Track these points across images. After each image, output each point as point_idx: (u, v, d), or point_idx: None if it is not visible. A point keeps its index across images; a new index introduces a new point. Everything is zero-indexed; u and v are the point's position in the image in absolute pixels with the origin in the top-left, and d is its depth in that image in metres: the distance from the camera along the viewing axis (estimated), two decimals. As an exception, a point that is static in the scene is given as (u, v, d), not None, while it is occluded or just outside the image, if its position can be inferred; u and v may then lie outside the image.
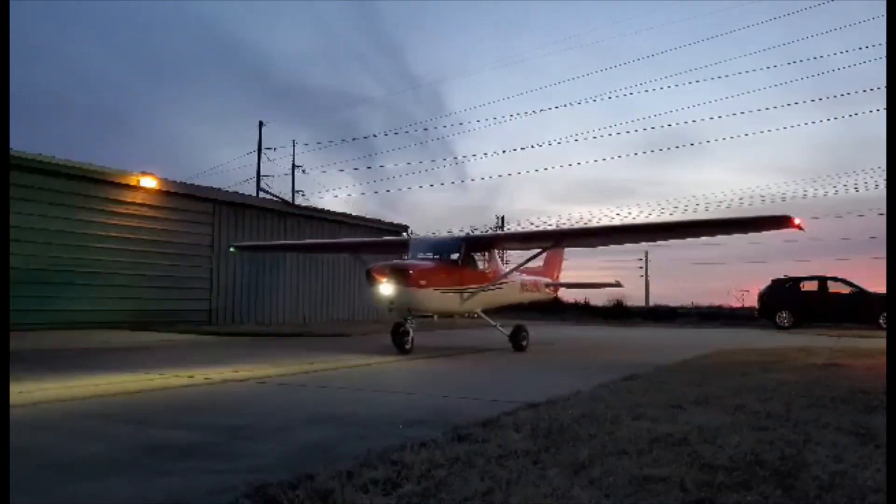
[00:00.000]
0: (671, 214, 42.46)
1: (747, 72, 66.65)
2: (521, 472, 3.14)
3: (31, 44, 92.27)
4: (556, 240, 12.93)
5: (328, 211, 24.86)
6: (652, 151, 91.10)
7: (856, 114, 66.56)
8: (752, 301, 27.74)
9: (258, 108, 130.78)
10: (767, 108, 73.87)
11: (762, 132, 79.05)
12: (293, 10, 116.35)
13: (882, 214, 35.40)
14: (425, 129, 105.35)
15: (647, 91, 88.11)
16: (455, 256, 11.34)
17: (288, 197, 36.79)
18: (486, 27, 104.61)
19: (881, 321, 20.05)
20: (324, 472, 3.08)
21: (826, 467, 3.29)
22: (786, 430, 4.19)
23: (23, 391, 5.83)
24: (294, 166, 41.86)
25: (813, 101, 74.37)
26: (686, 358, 9.79)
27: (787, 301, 22.00)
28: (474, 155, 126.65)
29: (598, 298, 34.98)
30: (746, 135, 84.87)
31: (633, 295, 40.37)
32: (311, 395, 6.26)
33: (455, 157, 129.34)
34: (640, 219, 41.34)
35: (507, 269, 13.11)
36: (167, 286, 17.89)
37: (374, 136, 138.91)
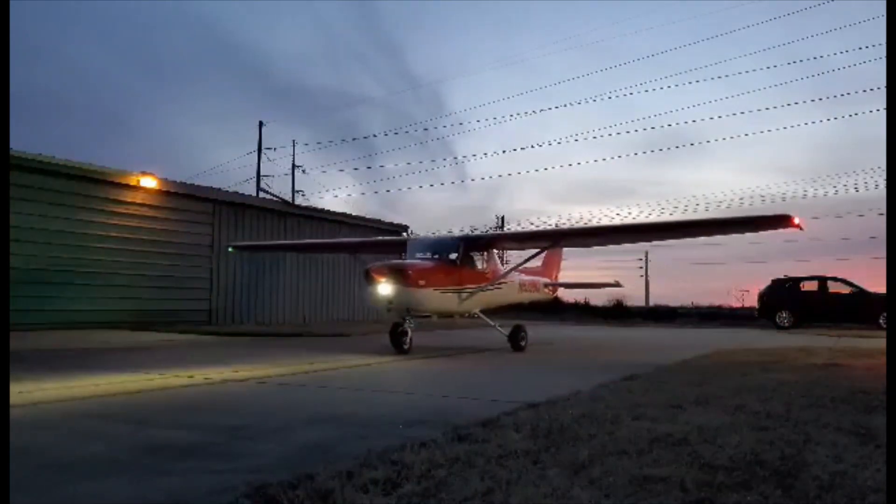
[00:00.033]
0: (671, 214, 42.44)
1: (747, 72, 66.66)
2: (521, 472, 3.14)
3: (31, 44, 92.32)
4: (555, 240, 12.93)
5: (328, 211, 24.87)
6: (652, 151, 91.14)
7: (856, 114, 66.56)
8: (752, 301, 27.79)
9: (258, 108, 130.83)
10: (767, 108, 73.85)
11: (762, 132, 78.99)
12: (293, 10, 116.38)
13: (882, 214, 35.43)
14: (425, 129, 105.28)
15: (647, 91, 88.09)
16: (454, 256, 11.34)
17: (288, 197, 36.80)
18: (486, 27, 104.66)
19: (881, 321, 20.05)
20: (324, 472, 3.08)
21: (826, 467, 3.29)
22: (786, 430, 4.19)
23: (23, 391, 5.82)
24: (294, 166, 41.88)
25: (813, 101, 74.41)
26: (686, 358, 9.79)
27: (787, 301, 22.00)
28: (474, 155, 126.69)
29: (598, 298, 35.02)
30: (746, 135, 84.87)
31: (633, 295, 40.41)
32: (311, 395, 6.26)
33: (455, 157, 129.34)
34: (640, 219, 41.31)
35: (506, 270, 13.12)
36: (167, 286, 17.89)
37: (374, 136, 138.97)
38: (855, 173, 78.83)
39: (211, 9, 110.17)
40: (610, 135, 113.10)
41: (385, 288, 10.13)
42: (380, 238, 17.26)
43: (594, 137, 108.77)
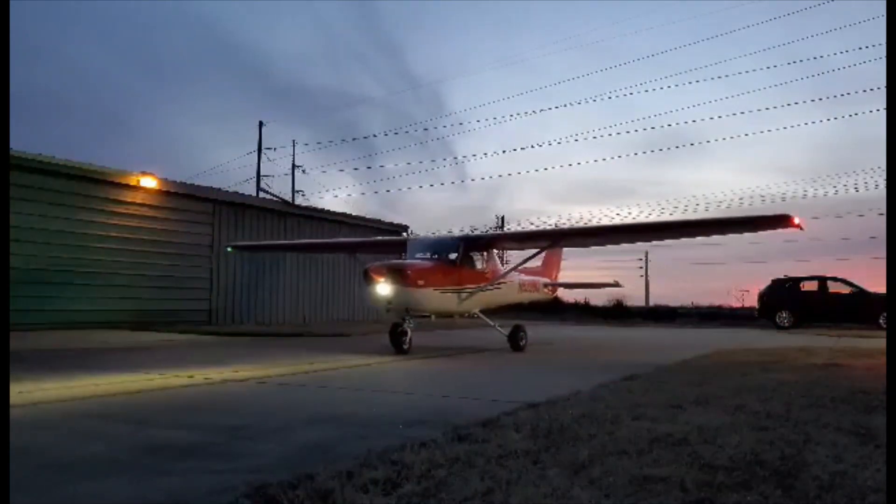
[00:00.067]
0: (671, 214, 42.43)
1: (747, 72, 66.66)
2: (521, 472, 3.14)
3: (31, 44, 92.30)
4: (554, 240, 12.92)
5: (328, 211, 24.88)
6: (652, 151, 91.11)
7: (856, 114, 66.53)
8: (752, 301, 27.79)
9: (258, 108, 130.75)
10: (767, 108, 73.84)
11: (762, 132, 78.95)
12: (293, 10, 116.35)
13: (882, 214, 35.43)
14: (425, 129, 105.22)
15: (647, 91, 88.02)
16: (453, 256, 11.34)
17: (288, 197, 36.81)
18: (486, 27, 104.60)
19: (881, 321, 20.05)
20: (324, 472, 3.08)
21: (826, 467, 3.29)
22: (786, 430, 4.19)
23: (23, 391, 5.83)
24: (294, 166, 41.88)
25: (813, 101, 74.42)
26: (686, 358, 9.79)
27: (787, 301, 22.00)
28: (474, 155, 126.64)
29: (598, 298, 35.03)
30: (746, 135, 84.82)
31: (633, 295, 40.41)
32: (311, 395, 6.26)
33: (455, 157, 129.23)
34: (639, 219, 41.30)
35: (506, 270, 13.12)
36: (167, 286, 17.89)
37: (374, 136, 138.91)
38: (855, 173, 78.90)
39: (211, 9, 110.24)
40: (610, 135, 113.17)
41: (384, 288, 10.13)
42: (378, 238, 17.25)
43: (594, 137, 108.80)
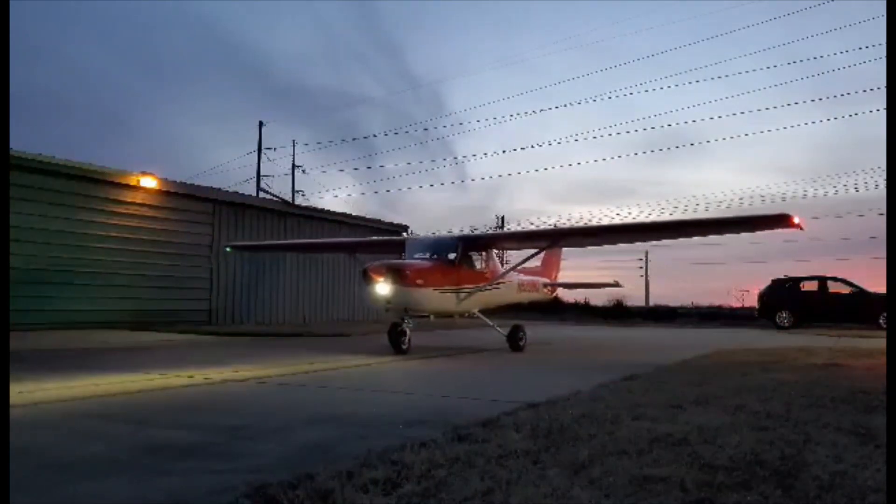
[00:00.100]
0: (671, 214, 42.38)
1: (747, 72, 66.60)
2: (521, 472, 3.14)
3: (31, 44, 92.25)
4: (554, 239, 12.92)
5: (328, 211, 24.87)
6: (652, 151, 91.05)
7: (856, 114, 66.45)
8: (752, 301, 27.79)
9: (258, 108, 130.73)
10: (767, 108, 73.74)
11: (762, 132, 78.81)
12: (293, 10, 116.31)
13: (882, 214, 35.44)
14: (425, 129, 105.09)
15: (647, 91, 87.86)
16: (452, 256, 11.34)
17: (288, 197, 36.82)
18: (486, 27, 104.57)
19: (881, 321, 20.05)
20: (324, 472, 3.08)
21: (826, 467, 3.29)
22: (786, 430, 4.19)
23: (23, 391, 5.83)
24: (294, 166, 41.90)
25: (813, 101, 74.35)
26: (686, 358, 9.79)
27: (787, 301, 22.00)
28: (474, 155, 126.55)
29: (598, 298, 35.03)
30: (746, 135, 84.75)
31: (633, 295, 40.45)
32: (311, 395, 6.26)
33: (455, 157, 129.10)
34: (639, 219, 41.29)
35: (505, 270, 13.11)
36: (167, 286, 17.89)
37: (374, 136, 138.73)
38: (855, 173, 78.87)
39: (211, 9, 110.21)
40: (610, 135, 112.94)
41: (383, 287, 10.13)
42: (377, 238, 17.24)
43: (594, 137, 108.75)
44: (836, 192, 73.21)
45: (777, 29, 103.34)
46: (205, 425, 4.53)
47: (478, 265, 11.98)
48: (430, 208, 76.01)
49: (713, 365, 8.73)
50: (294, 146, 43.88)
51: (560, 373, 8.38)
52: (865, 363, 8.89)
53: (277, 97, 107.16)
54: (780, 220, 9.85)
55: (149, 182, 17.43)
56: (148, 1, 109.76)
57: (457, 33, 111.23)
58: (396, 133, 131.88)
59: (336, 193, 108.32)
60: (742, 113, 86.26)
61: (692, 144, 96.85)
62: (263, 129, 40.57)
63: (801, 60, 64.44)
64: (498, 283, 12.29)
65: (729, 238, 36.38)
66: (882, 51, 36.42)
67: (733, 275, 79.17)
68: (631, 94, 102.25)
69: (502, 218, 43.29)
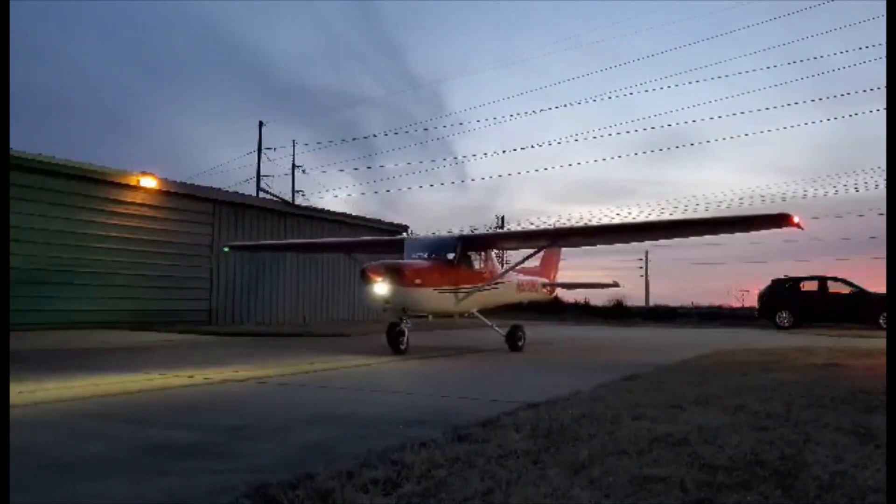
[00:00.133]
0: (671, 214, 42.24)
1: (747, 72, 66.50)
2: (521, 472, 3.14)
3: (31, 44, 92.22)
4: (553, 239, 12.91)
5: (328, 211, 24.88)
6: (652, 151, 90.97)
7: (856, 114, 66.34)
8: (752, 301, 27.80)
9: (258, 108, 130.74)
10: (767, 108, 73.67)
11: (762, 132, 78.71)
12: (293, 10, 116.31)
13: (882, 214, 35.45)
14: (425, 129, 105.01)
15: (647, 91, 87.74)
16: (451, 256, 11.33)
17: (288, 197, 36.83)
18: (486, 27, 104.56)
19: (881, 321, 20.05)
20: (324, 472, 3.08)
21: (826, 467, 3.29)
22: (786, 430, 4.19)
23: (23, 391, 5.83)
24: (294, 166, 41.92)
25: (813, 101, 74.27)
26: (686, 358, 9.79)
27: (787, 301, 22.00)
28: (474, 155, 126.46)
29: (598, 298, 35.03)
30: (746, 135, 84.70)
31: (633, 295, 40.51)
32: (311, 395, 6.26)
33: (455, 157, 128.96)
34: (638, 218, 41.25)
35: (504, 269, 13.11)
36: (167, 286, 17.90)
37: (374, 136, 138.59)
38: (855, 173, 78.83)
39: (211, 9, 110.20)
40: (610, 135, 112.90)
41: (381, 287, 10.12)
42: (375, 237, 17.24)
43: (594, 137, 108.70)
44: (836, 192, 73.20)
45: (777, 29, 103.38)
46: (205, 425, 4.53)
47: (476, 265, 11.97)
48: (430, 208, 76.02)
49: (713, 365, 8.73)
50: (294, 146, 43.91)
51: (560, 373, 8.38)
52: (865, 363, 8.89)
53: (277, 97, 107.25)
54: (780, 220, 9.84)
55: (149, 182, 17.43)
56: (148, 1, 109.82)
57: (457, 33, 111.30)
58: (396, 133, 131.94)
59: (336, 193, 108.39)
60: (742, 113, 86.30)
61: (692, 144, 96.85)
62: (263, 129, 40.64)
63: (801, 60, 64.42)
64: (497, 283, 12.29)
65: (729, 238, 36.44)
66: (882, 51, 36.43)
67: (733, 275, 79.24)
68: (631, 94, 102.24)
69: (502, 218, 43.36)
